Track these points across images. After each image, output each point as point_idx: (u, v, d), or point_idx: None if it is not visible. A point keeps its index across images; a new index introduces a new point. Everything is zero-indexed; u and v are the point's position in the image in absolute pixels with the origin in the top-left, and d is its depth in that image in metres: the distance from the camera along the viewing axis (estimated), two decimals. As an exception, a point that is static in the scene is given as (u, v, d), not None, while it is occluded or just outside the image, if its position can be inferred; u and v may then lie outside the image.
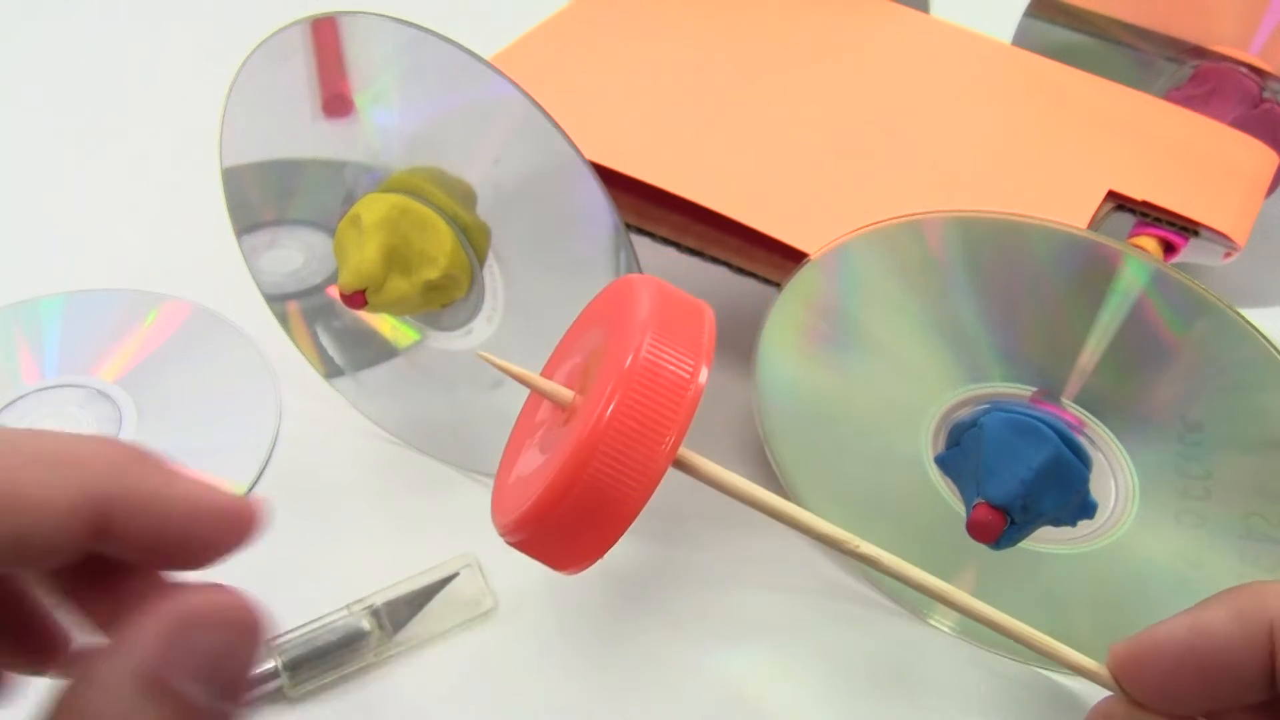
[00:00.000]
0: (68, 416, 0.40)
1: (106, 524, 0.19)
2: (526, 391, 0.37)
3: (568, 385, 0.24)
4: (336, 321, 0.40)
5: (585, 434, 0.20)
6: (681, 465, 0.23)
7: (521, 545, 0.22)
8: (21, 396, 0.41)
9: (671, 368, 0.21)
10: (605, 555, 0.22)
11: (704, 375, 0.22)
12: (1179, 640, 0.24)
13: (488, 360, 0.24)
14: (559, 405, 0.23)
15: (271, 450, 0.40)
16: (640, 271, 0.32)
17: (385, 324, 0.39)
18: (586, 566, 0.22)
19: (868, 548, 0.26)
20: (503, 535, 0.22)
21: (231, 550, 0.21)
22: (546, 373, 0.25)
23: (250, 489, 0.39)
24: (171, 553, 0.21)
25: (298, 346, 0.41)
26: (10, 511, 0.18)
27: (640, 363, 0.21)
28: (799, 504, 0.36)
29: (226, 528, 0.21)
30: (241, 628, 0.19)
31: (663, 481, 0.23)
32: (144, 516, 0.20)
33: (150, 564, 0.21)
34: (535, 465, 0.23)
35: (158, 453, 0.21)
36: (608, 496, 0.21)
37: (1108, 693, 0.27)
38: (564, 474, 0.20)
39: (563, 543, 0.21)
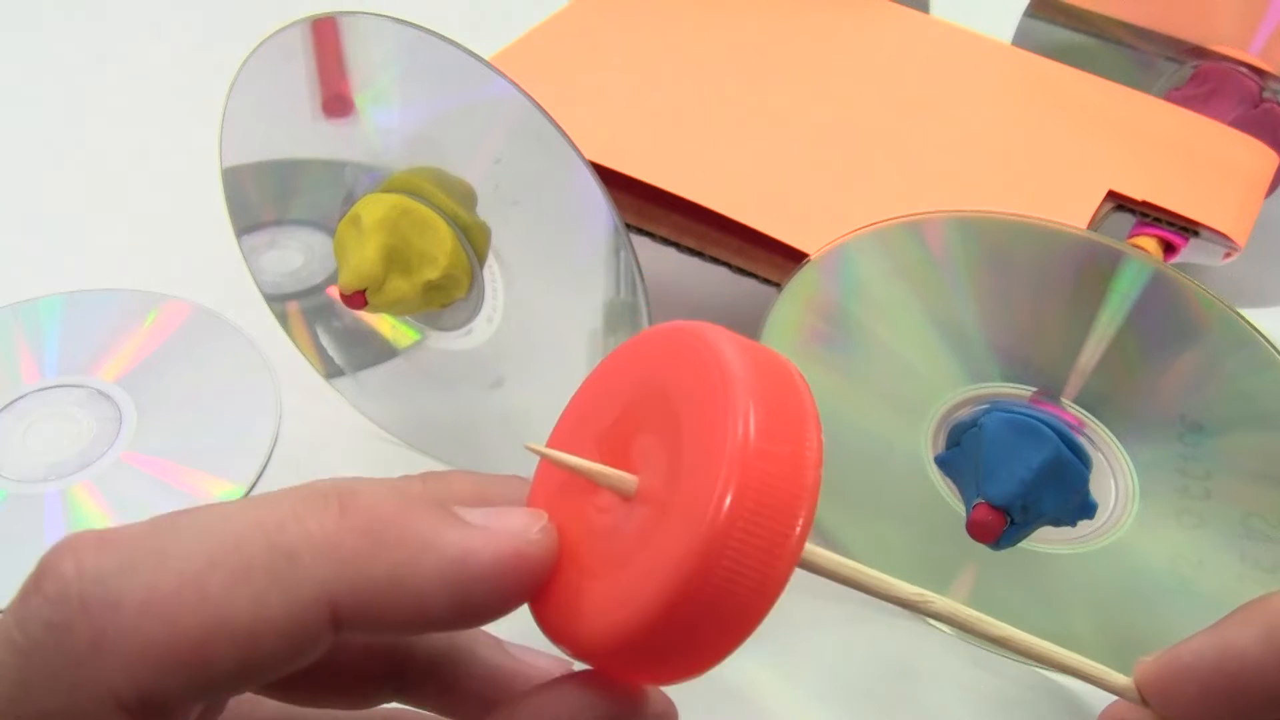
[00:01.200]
0: (68, 416, 0.40)
1: (345, 623, 0.16)
2: (527, 391, 0.37)
3: (619, 466, 0.19)
4: (336, 321, 0.40)
5: (699, 534, 0.16)
6: (808, 564, 0.20)
7: (604, 670, 0.18)
8: (21, 396, 0.41)
9: (785, 442, 0.17)
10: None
11: (818, 447, 0.18)
12: (1208, 662, 0.23)
13: (537, 451, 0.20)
14: (620, 493, 0.19)
15: (271, 450, 0.40)
16: (640, 272, 0.32)
17: (385, 324, 0.39)
18: (690, 678, 0.18)
19: (943, 604, 0.23)
20: (578, 657, 0.18)
21: (512, 606, 0.18)
22: (559, 437, 0.21)
23: (250, 489, 0.39)
24: (441, 625, 0.18)
25: (298, 346, 0.41)
26: (223, 647, 0.15)
27: (752, 440, 0.17)
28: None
29: (501, 590, 0.17)
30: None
31: (816, 575, 0.20)
32: (389, 611, 0.16)
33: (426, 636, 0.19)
34: (613, 569, 0.18)
35: (403, 510, 0.17)
36: (727, 606, 0.17)
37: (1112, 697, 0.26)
38: (675, 583, 0.16)
39: (668, 663, 0.18)
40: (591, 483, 0.19)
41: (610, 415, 0.20)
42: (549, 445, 0.20)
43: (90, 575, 0.16)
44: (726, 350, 0.18)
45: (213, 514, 0.17)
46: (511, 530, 0.17)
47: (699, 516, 0.16)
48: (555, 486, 0.20)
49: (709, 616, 0.17)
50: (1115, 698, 0.26)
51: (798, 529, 0.17)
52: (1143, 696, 0.25)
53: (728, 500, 0.16)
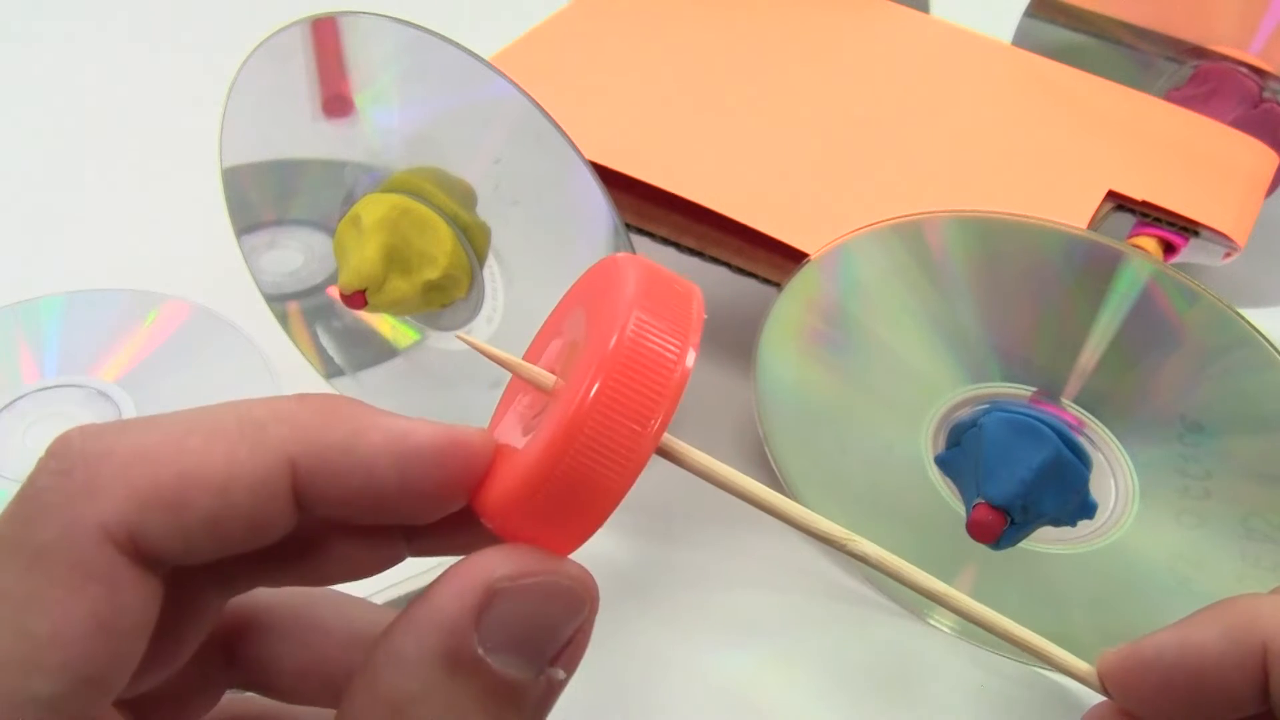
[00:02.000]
0: (68, 416, 0.40)
1: (306, 491, 0.19)
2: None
3: (550, 369, 0.23)
4: (336, 321, 0.40)
5: (566, 418, 0.20)
6: (667, 453, 0.23)
7: (501, 532, 0.21)
8: (21, 396, 0.41)
9: (657, 349, 0.20)
10: (585, 544, 0.21)
11: (691, 358, 0.21)
12: (1169, 656, 0.24)
13: (467, 341, 0.23)
14: (541, 389, 0.23)
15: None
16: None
17: (385, 324, 0.39)
18: (567, 553, 0.21)
19: (864, 545, 0.25)
20: (484, 522, 0.22)
21: (457, 493, 0.20)
22: (530, 356, 0.24)
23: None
24: (390, 510, 0.19)
25: (298, 346, 0.41)
26: (198, 493, 0.17)
27: (624, 343, 0.20)
28: (800, 503, 0.36)
29: (441, 468, 0.20)
30: (567, 597, 0.19)
31: (662, 480, 0.23)
32: (340, 475, 0.19)
33: (378, 525, 0.20)
34: (515, 451, 0.22)
35: (353, 401, 0.19)
36: (589, 484, 0.20)
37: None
38: (544, 460, 0.20)
39: (542, 531, 0.21)
40: (531, 384, 0.22)
41: (556, 329, 0.24)
42: (524, 357, 0.24)
43: (91, 433, 0.18)
44: (628, 273, 0.22)
45: (194, 408, 0.19)
46: (449, 426, 0.20)
47: (569, 402, 0.20)
48: (515, 389, 0.24)
49: (572, 489, 0.20)
50: (1094, 699, 0.26)
51: (655, 422, 0.20)
52: (1104, 686, 0.25)
53: (593, 390, 0.20)
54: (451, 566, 0.18)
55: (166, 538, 0.18)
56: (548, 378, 0.22)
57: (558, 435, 0.20)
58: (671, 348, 0.20)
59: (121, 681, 0.18)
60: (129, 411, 0.40)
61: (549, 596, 0.19)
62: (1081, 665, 0.25)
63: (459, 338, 0.24)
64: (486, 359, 0.23)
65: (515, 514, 0.20)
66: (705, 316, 0.22)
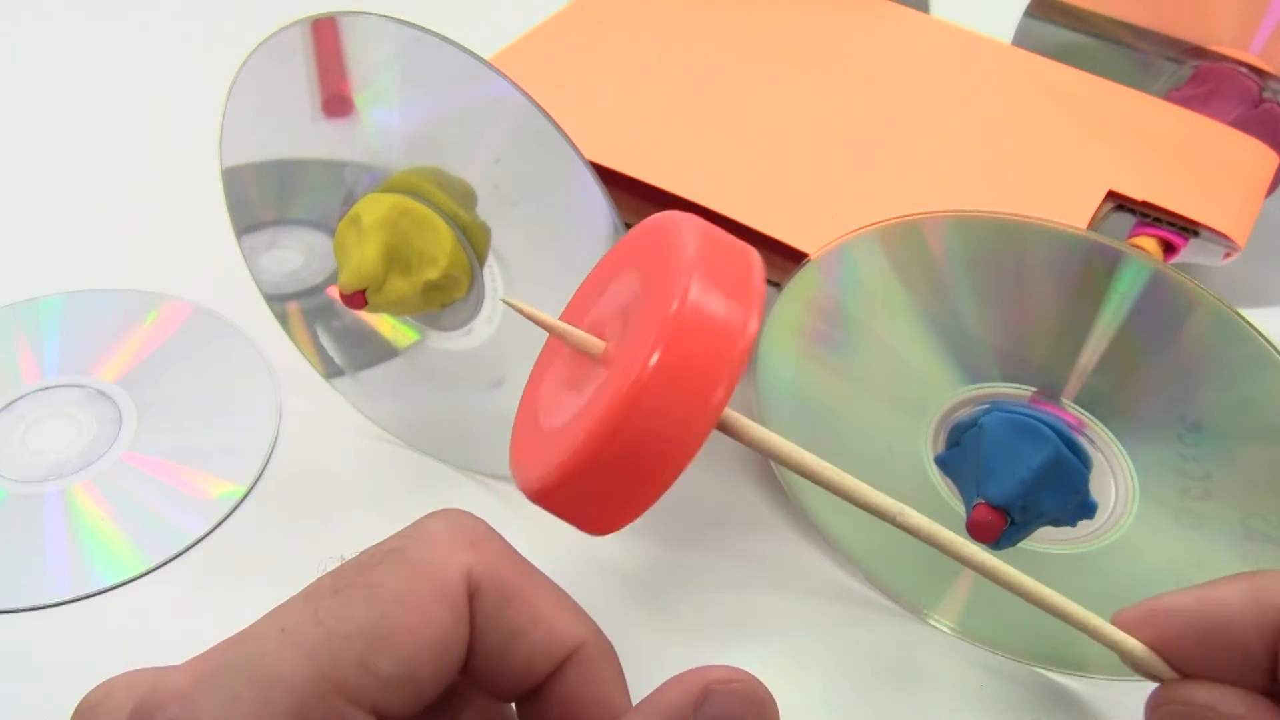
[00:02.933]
0: (68, 416, 0.40)
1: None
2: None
3: (596, 332, 0.21)
4: (336, 321, 0.40)
5: (628, 386, 0.18)
6: (727, 427, 0.21)
7: (550, 505, 0.20)
8: (21, 396, 0.41)
9: (721, 315, 0.19)
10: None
11: (755, 324, 0.19)
12: (1188, 608, 0.24)
13: (513, 306, 0.22)
14: (589, 355, 0.21)
15: (271, 450, 0.40)
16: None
17: (385, 324, 0.39)
18: (618, 529, 0.20)
19: (914, 518, 0.24)
20: (528, 494, 0.21)
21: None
22: (569, 316, 0.23)
23: (250, 489, 0.39)
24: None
25: (298, 346, 0.41)
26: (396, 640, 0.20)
27: (687, 309, 0.18)
28: (798, 503, 0.36)
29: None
30: (757, 702, 0.21)
31: (732, 438, 0.22)
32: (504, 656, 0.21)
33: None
34: (564, 419, 0.20)
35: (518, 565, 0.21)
36: (649, 454, 0.19)
37: (1115, 688, 0.26)
38: (603, 428, 0.18)
39: (595, 503, 0.20)
40: (579, 349, 0.21)
41: (599, 291, 0.22)
42: (563, 319, 0.23)
43: None
44: (686, 234, 0.20)
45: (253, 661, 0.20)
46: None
47: (628, 371, 0.18)
48: (551, 354, 0.23)
49: (630, 461, 0.18)
50: (1107, 693, 0.26)
51: (719, 392, 0.19)
52: (1152, 667, 0.25)
53: (654, 358, 0.18)
54: (679, 673, 0.21)
55: None
56: (596, 343, 0.21)
57: (616, 406, 0.18)
58: (735, 314, 0.19)
59: (427, 694, 0.20)
60: (129, 411, 0.41)
61: (748, 700, 0.20)
62: (1136, 645, 0.25)
63: (504, 301, 0.23)
64: (526, 318, 0.22)
65: (564, 490, 0.19)
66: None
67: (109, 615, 0.35)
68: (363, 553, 0.21)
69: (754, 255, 0.21)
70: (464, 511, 0.23)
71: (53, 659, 0.34)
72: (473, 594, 0.21)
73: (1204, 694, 0.24)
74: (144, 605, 0.35)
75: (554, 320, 0.22)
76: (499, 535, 0.22)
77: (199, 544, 0.37)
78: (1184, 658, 0.24)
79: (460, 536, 0.22)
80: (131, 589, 0.36)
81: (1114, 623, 0.25)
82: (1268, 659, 0.23)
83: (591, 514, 0.20)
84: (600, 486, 0.19)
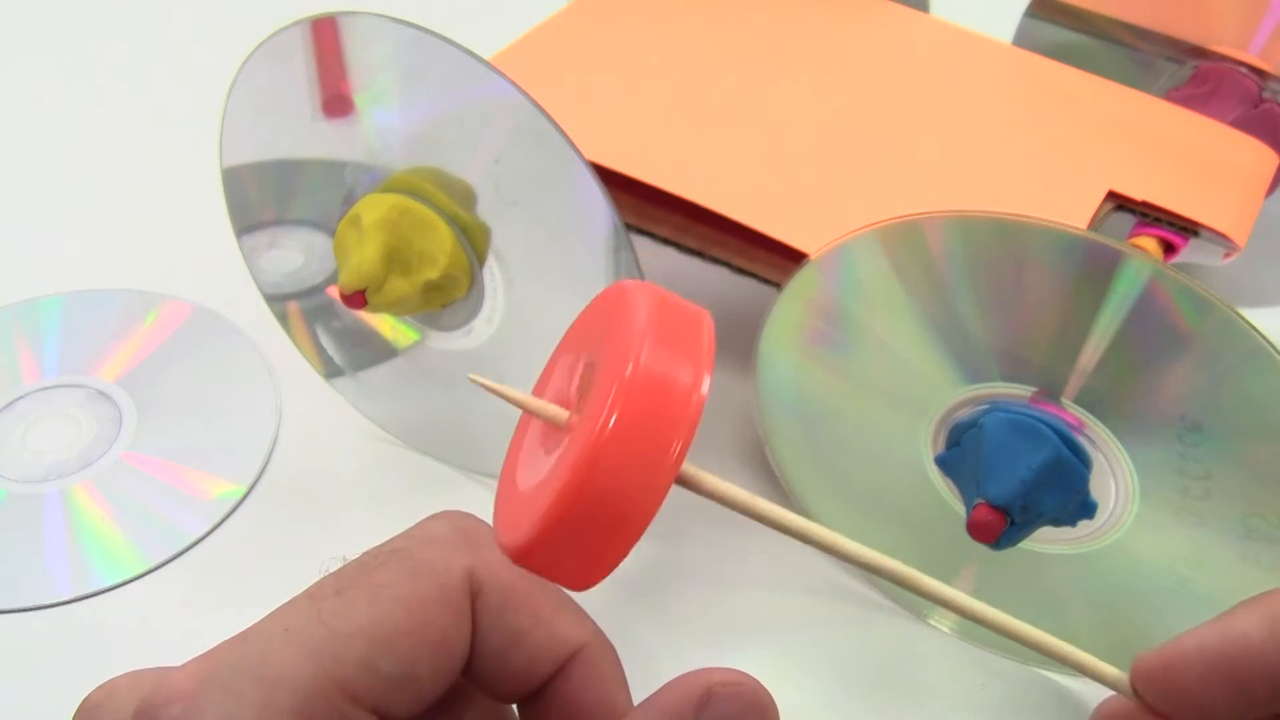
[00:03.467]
0: (68, 416, 0.40)
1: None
2: (527, 391, 0.37)
3: (562, 402, 0.23)
4: (336, 321, 0.40)
5: (586, 449, 0.20)
6: (687, 482, 0.23)
7: (530, 565, 0.21)
8: (21, 396, 0.41)
9: (672, 377, 0.20)
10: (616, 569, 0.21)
11: (707, 384, 0.21)
12: (1211, 648, 0.23)
13: (479, 383, 0.23)
14: (555, 425, 0.22)
15: (271, 450, 0.40)
16: (640, 272, 0.32)
17: (385, 324, 0.39)
18: (597, 582, 0.21)
19: (895, 565, 0.24)
20: (509, 556, 0.22)
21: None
22: (539, 388, 0.24)
23: (250, 489, 0.39)
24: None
25: (298, 346, 0.41)
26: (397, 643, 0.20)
27: (640, 374, 0.20)
28: (799, 504, 0.36)
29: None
30: (759, 706, 0.21)
31: (693, 492, 0.23)
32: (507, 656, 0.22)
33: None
34: (536, 484, 0.22)
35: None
36: (614, 512, 0.20)
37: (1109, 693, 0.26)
38: (567, 491, 0.20)
39: (571, 560, 0.21)
40: (545, 421, 0.23)
41: (565, 363, 0.23)
42: (534, 392, 0.24)
43: None
44: (639, 302, 0.21)
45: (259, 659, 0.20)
46: None
47: (588, 435, 0.20)
48: (526, 421, 0.24)
49: (597, 519, 0.20)
50: (1108, 693, 0.26)
51: (675, 450, 0.20)
52: (1135, 690, 0.25)
53: (611, 421, 0.19)
54: (681, 675, 0.21)
55: None
56: (560, 413, 0.22)
57: (578, 468, 0.20)
58: (686, 375, 0.20)
59: (429, 694, 0.20)
60: (129, 411, 0.41)
61: (750, 703, 0.21)
62: (1110, 670, 0.25)
63: (472, 379, 0.23)
64: (493, 391, 0.23)
65: (539, 550, 0.20)
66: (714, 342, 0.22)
67: (109, 615, 0.35)
68: (365, 553, 0.21)
69: (705, 318, 0.22)
70: (466, 513, 0.23)
71: (53, 659, 0.34)
72: (475, 595, 0.21)
73: None
74: (144, 605, 0.35)
75: (520, 394, 0.23)
76: None
77: (199, 544, 0.37)
78: (1213, 700, 0.23)
79: (463, 538, 0.22)
80: (131, 589, 0.36)
81: (1135, 665, 0.25)
82: None
83: (570, 570, 0.21)
84: (572, 544, 0.20)
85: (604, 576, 0.21)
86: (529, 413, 0.23)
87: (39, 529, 0.37)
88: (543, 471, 0.22)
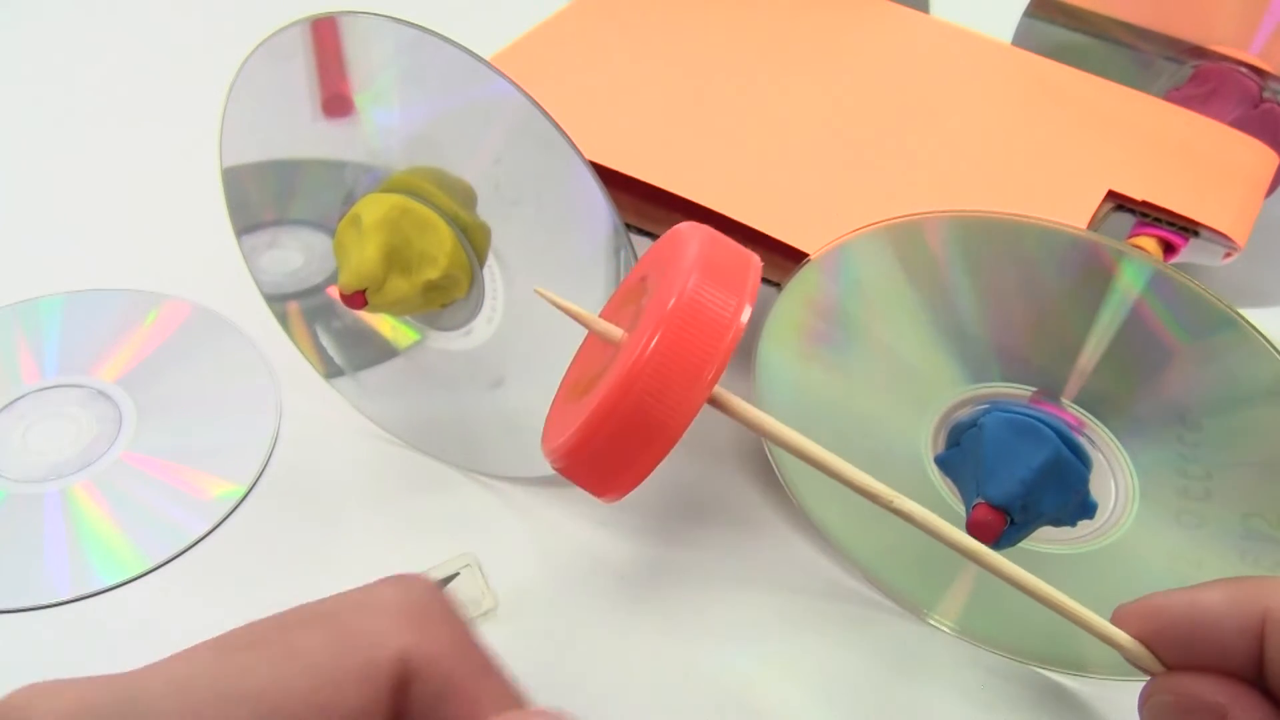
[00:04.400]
0: (68, 416, 0.40)
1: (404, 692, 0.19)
2: (526, 390, 0.37)
3: (620, 325, 0.24)
4: (336, 321, 0.40)
5: (628, 365, 0.22)
6: (718, 403, 0.24)
7: (566, 470, 0.23)
8: (21, 396, 0.41)
9: (713, 307, 0.22)
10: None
11: (746, 315, 0.23)
12: (1177, 607, 0.26)
13: (545, 297, 0.25)
14: (610, 343, 0.24)
15: (271, 450, 0.40)
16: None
17: (385, 324, 0.39)
18: (624, 494, 0.23)
19: (907, 503, 0.26)
20: (549, 460, 0.23)
21: None
22: (605, 314, 0.26)
23: (250, 489, 0.39)
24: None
25: (298, 346, 0.41)
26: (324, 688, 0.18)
27: (683, 302, 0.22)
28: (799, 503, 0.36)
29: None
30: None
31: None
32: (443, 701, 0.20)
33: None
34: (584, 398, 0.24)
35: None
36: (647, 424, 0.22)
37: (1114, 687, 0.27)
38: (607, 402, 0.22)
39: (603, 469, 0.23)
40: (603, 339, 0.24)
41: (625, 290, 0.26)
42: (601, 314, 0.26)
43: None
44: (691, 241, 0.24)
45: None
46: None
47: (631, 353, 0.22)
48: (590, 345, 0.27)
49: (632, 430, 0.22)
50: (1110, 693, 0.26)
51: (709, 372, 0.22)
52: (1145, 659, 0.26)
53: (653, 343, 0.22)
54: None
55: None
56: (616, 331, 0.24)
57: (620, 381, 0.22)
58: (728, 306, 0.22)
59: None
60: (129, 411, 0.41)
61: None
62: (1122, 635, 0.26)
63: (537, 292, 0.25)
64: (558, 310, 0.25)
65: (577, 454, 0.23)
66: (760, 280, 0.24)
67: (109, 615, 0.35)
68: (294, 608, 0.20)
69: (753, 259, 0.24)
70: (426, 582, 0.21)
71: (53, 659, 0.34)
72: (409, 680, 0.19)
73: (1190, 683, 0.25)
74: (144, 605, 0.35)
75: (579, 309, 0.25)
76: (457, 616, 0.20)
77: (199, 544, 0.37)
78: (1172, 652, 0.25)
79: (410, 612, 0.20)
80: (131, 589, 0.36)
81: (1115, 614, 0.26)
82: (1248, 656, 0.24)
83: (604, 475, 0.23)
84: (608, 449, 0.22)
85: (634, 485, 0.23)
86: (589, 329, 0.24)
87: (39, 529, 0.37)
88: (591, 387, 0.23)
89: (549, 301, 0.25)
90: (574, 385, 0.25)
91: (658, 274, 0.24)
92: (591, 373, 0.25)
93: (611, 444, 0.22)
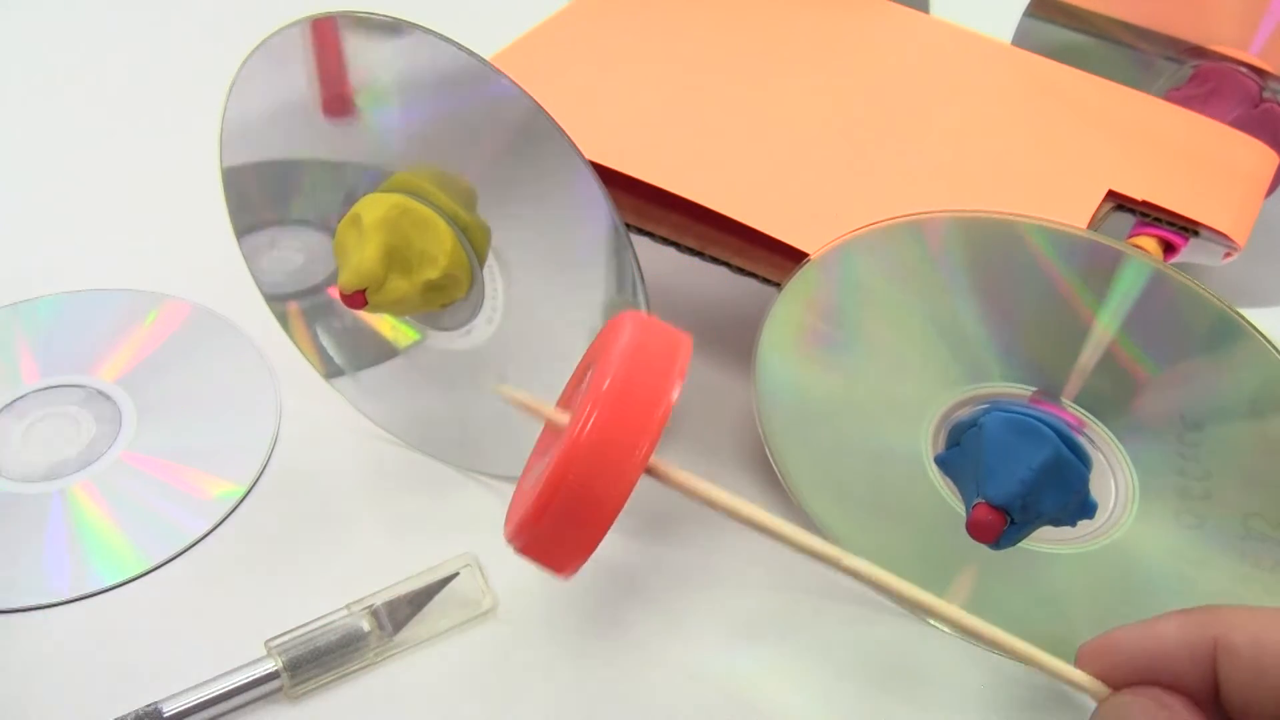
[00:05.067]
0: (68, 416, 0.40)
1: None
2: (527, 391, 0.37)
3: (570, 410, 0.26)
4: (336, 321, 0.40)
5: (565, 448, 0.23)
6: (655, 473, 0.26)
7: (523, 550, 0.25)
8: (21, 396, 0.41)
9: (643, 389, 0.24)
10: (592, 556, 0.25)
11: (675, 393, 0.24)
12: (1132, 642, 0.26)
13: (504, 395, 0.26)
14: (559, 429, 0.26)
15: (271, 450, 0.40)
16: (640, 272, 0.32)
17: (385, 324, 0.39)
18: (577, 568, 0.25)
19: (855, 561, 0.27)
20: (510, 543, 0.25)
21: None
22: (562, 399, 0.28)
23: (250, 489, 0.39)
24: None
25: (298, 346, 0.41)
26: None
27: (614, 385, 0.24)
28: (798, 503, 0.36)
29: None
30: None
31: (661, 484, 0.25)
32: None
33: None
34: (531, 483, 0.25)
35: None
36: (587, 501, 0.23)
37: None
38: (549, 484, 0.23)
39: (553, 547, 0.24)
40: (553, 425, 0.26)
41: (579, 373, 0.27)
42: (557, 402, 0.28)
43: None
44: (625, 328, 0.25)
45: None
46: None
47: (568, 436, 0.23)
48: (545, 431, 0.28)
49: (575, 507, 0.23)
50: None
51: (641, 450, 0.24)
52: (1103, 695, 0.26)
53: (589, 424, 0.23)
54: None
55: None
56: (562, 418, 0.25)
57: (558, 464, 0.23)
58: (655, 388, 0.24)
59: None
60: (129, 411, 0.41)
61: None
62: (1078, 673, 0.26)
63: (496, 390, 0.27)
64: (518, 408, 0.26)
65: (527, 533, 0.24)
66: (689, 361, 0.25)
67: (109, 615, 0.35)
68: None
69: (683, 341, 0.26)
70: None
71: (53, 659, 0.34)
72: None
73: (1134, 698, 0.26)
74: (144, 605, 0.35)
75: (531, 401, 0.26)
76: None
77: (199, 544, 0.37)
78: (1124, 685, 0.26)
79: None
80: (131, 589, 0.36)
81: (1078, 653, 0.27)
82: (1203, 683, 0.25)
83: (556, 553, 0.24)
84: (555, 529, 0.24)
85: (584, 559, 0.24)
86: (540, 418, 0.26)
87: (39, 529, 0.37)
88: (541, 470, 0.25)
89: (507, 399, 0.26)
90: (530, 469, 0.27)
91: (598, 361, 0.25)
92: (545, 457, 0.26)
93: (557, 522, 0.24)
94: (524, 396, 0.26)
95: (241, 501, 0.38)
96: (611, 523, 0.24)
